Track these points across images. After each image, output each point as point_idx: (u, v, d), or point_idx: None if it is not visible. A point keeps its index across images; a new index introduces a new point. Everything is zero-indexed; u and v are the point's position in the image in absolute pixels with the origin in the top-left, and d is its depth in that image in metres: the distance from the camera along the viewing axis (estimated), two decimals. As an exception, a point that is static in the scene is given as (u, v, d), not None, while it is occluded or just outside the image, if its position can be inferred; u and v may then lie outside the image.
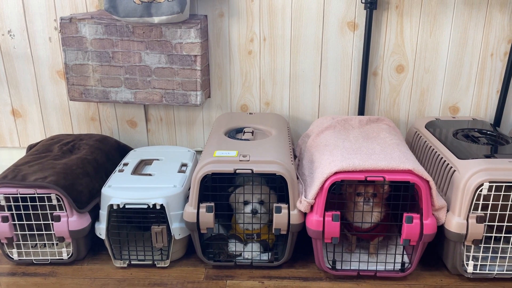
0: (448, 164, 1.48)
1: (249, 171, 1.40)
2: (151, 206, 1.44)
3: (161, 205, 1.44)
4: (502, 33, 1.84)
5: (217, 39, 1.92)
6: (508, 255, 1.43)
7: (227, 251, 1.55)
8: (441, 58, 1.90)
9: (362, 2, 1.81)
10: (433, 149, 1.62)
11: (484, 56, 1.88)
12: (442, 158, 1.54)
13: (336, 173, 1.37)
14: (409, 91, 1.96)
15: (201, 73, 1.86)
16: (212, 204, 1.44)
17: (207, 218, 1.44)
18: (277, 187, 1.44)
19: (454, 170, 1.43)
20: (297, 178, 1.59)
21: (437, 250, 1.54)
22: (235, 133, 1.72)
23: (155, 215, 1.47)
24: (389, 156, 1.41)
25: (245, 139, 1.63)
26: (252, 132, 1.69)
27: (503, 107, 1.92)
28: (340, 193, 1.45)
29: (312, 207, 1.42)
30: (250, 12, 1.87)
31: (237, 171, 1.40)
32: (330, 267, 1.47)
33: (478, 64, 1.90)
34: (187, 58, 1.83)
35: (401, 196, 1.39)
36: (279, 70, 1.95)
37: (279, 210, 1.43)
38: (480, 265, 1.44)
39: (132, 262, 1.54)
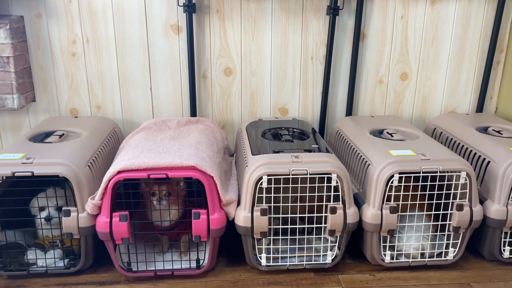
0: (246, 160, 1.52)
1: (30, 173, 1.34)
2: None
3: None
4: (319, 37, 1.96)
5: (37, 40, 1.85)
6: (297, 246, 1.50)
7: (22, 260, 1.47)
8: (265, 61, 1.97)
9: (179, 5, 1.83)
10: (243, 147, 1.66)
11: (305, 59, 1.99)
12: (245, 155, 1.58)
13: (119, 172, 1.35)
14: (239, 94, 2.01)
15: (17, 75, 1.77)
16: (-7, 210, 1.36)
17: (-14, 226, 1.35)
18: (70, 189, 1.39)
19: (247, 165, 1.48)
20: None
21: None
22: (43, 136, 1.65)
23: None
24: (178, 154, 1.42)
25: (48, 142, 1.57)
26: (62, 135, 1.63)
27: (326, 107, 2.03)
28: (138, 192, 1.44)
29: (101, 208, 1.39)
30: (69, 13, 1.83)
31: (16, 174, 1.34)
32: (126, 269, 1.44)
33: (300, 67, 1.99)
34: (-2, 60, 1.74)
35: (193, 193, 1.40)
36: (107, 73, 1.92)
37: (67, 214, 1.39)
38: (275, 257, 1.48)
39: None
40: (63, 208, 1.39)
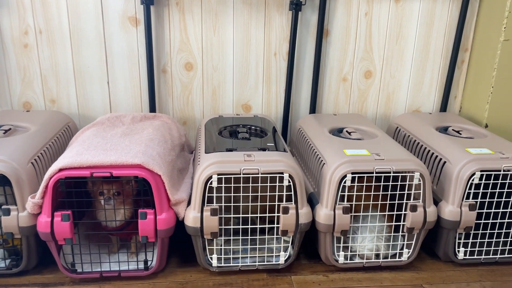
0: (199, 158, 1.48)
1: (-36, 171, 1.28)
2: None
3: None
4: (282, 33, 1.92)
5: (-14, 30, 1.77)
6: (249, 246, 1.46)
7: (-39, 261, 1.40)
8: (227, 56, 1.92)
9: (136, -3, 1.78)
10: (199, 144, 1.62)
11: (268, 55, 1.94)
12: (199, 153, 1.54)
13: (60, 170, 1.29)
14: (201, 89, 1.96)
15: (-37, 67, 1.69)
16: None
17: None
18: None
19: (199, 163, 1.43)
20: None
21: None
22: (-12, 131, 1.57)
23: None
24: (125, 151, 1.37)
25: (-9, 137, 1.50)
26: (8, 130, 1.56)
27: (289, 104, 1.99)
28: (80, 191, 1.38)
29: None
30: (21, 1, 1.74)
31: (-51, 171, 1.27)
32: (70, 270, 1.39)
33: (263, 63, 1.95)
34: None
35: (138, 191, 1.36)
36: (62, 66, 1.85)
37: (7, 213, 1.32)
38: (227, 258, 1.45)
39: None
40: (3, 207, 1.33)
